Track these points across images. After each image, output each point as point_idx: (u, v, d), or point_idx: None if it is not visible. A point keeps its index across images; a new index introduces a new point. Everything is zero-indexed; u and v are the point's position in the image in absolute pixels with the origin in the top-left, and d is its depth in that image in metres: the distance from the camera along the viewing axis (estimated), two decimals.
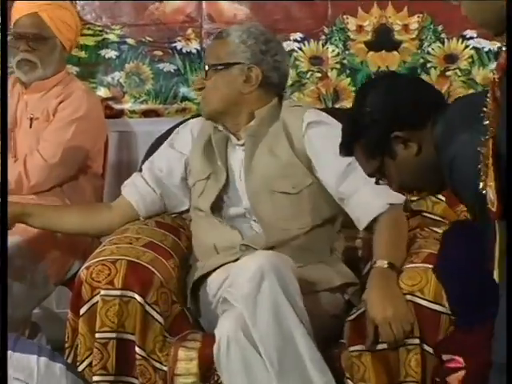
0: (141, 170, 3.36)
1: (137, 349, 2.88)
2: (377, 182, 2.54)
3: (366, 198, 2.98)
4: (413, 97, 2.42)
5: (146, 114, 3.95)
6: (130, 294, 2.89)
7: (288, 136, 3.12)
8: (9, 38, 3.52)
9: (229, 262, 3.03)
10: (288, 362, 2.69)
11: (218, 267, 3.05)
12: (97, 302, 2.88)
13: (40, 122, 3.65)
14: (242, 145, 3.16)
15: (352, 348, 2.73)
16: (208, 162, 3.20)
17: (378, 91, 2.49)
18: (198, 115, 3.40)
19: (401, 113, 2.39)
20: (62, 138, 3.60)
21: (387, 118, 2.40)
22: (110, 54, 3.86)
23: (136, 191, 3.27)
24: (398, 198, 2.99)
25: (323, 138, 3.02)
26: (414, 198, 3.18)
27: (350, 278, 3.05)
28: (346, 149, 2.50)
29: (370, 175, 2.52)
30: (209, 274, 3.07)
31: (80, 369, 2.90)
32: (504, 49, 1.89)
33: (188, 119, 3.53)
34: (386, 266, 2.77)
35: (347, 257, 3.19)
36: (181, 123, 3.50)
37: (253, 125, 3.15)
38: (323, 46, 3.85)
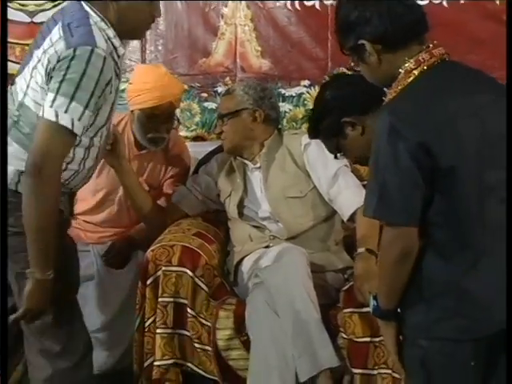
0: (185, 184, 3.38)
1: (188, 309, 2.95)
2: (335, 157, 2.60)
3: (347, 197, 3.04)
4: (358, 91, 2.43)
5: (195, 139, 3.96)
6: (184, 269, 2.96)
7: (291, 155, 3.19)
8: (140, 117, 3.32)
9: (260, 248, 3.11)
10: (299, 327, 2.73)
11: (252, 251, 3.12)
12: (159, 276, 2.95)
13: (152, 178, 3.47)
14: (259, 167, 3.23)
15: (345, 310, 2.79)
16: (230, 183, 3.27)
17: (331, 88, 2.56)
18: None
19: (348, 103, 2.45)
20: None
21: (338, 108, 2.45)
22: None
23: (183, 199, 3.31)
24: None
25: (316, 154, 3.08)
26: None
27: (348, 263, 3.08)
28: (312, 133, 2.56)
29: (331, 152, 2.58)
30: (245, 256, 3.13)
31: (147, 324, 2.97)
32: None
33: (220, 145, 3.43)
34: (364, 251, 2.79)
35: (346, 244, 3.21)
36: (219, 146, 3.46)
37: (264, 152, 3.22)
38: None
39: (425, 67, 1.93)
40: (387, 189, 1.86)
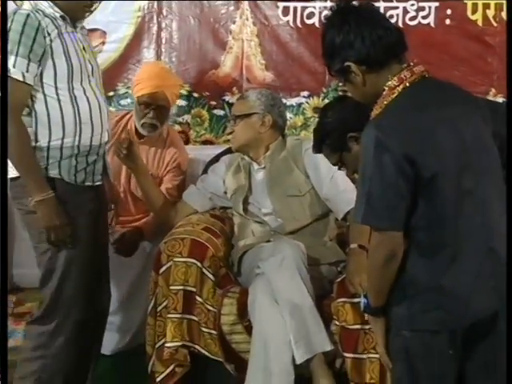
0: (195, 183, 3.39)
1: (196, 297, 2.96)
2: (339, 169, 2.60)
3: (342, 199, 3.06)
4: (359, 109, 2.38)
5: (204, 142, 3.99)
6: (193, 260, 2.97)
7: (293, 158, 3.21)
8: (137, 105, 3.43)
9: (261, 242, 3.11)
10: (296, 314, 2.74)
11: (254, 245, 3.11)
12: (171, 266, 2.96)
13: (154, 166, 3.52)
14: (263, 168, 3.24)
15: (338, 300, 2.79)
16: (236, 181, 3.27)
17: (334, 108, 2.57)
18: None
19: (352, 120, 2.43)
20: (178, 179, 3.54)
21: (343, 125, 2.46)
22: (182, 102, 3.85)
23: (192, 197, 3.32)
24: None
25: (315, 159, 3.04)
26: None
27: (341, 257, 3.09)
28: (317, 149, 2.56)
29: (334, 165, 2.59)
30: (248, 249, 3.12)
31: (159, 309, 2.98)
32: None
33: (228, 148, 3.51)
34: (356, 247, 2.80)
35: (339, 240, 3.21)
36: (226, 149, 3.53)
37: (269, 154, 3.23)
38: (322, 100, 3.86)
39: (407, 84, 1.94)
40: (373, 197, 1.88)
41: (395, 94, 1.94)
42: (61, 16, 2.59)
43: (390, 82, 1.95)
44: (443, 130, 1.89)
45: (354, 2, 2.03)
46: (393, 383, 2.10)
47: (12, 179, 2.61)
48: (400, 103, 1.92)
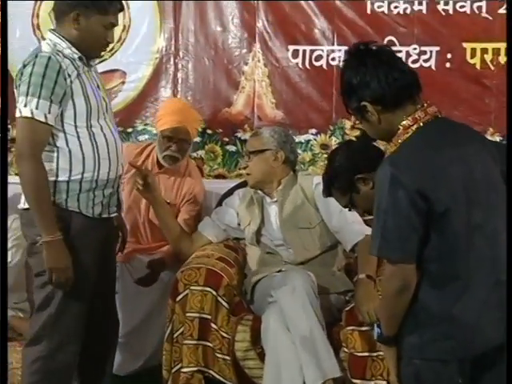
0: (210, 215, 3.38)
1: (211, 324, 2.96)
2: (349, 210, 2.59)
3: (350, 231, 3.08)
4: (365, 152, 2.45)
5: (217, 176, 3.96)
6: (208, 289, 2.97)
7: (304, 192, 3.19)
8: (161, 138, 3.45)
9: (273, 271, 3.09)
10: (307, 342, 2.73)
11: (267, 274, 3.09)
12: (187, 294, 2.96)
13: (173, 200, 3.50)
14: (275, 201, 3.22)
15: (347, 328, 2.79)
16: (249, 213, 3.27)
17: (341, 152, 2.54)
18: (245, 182, 3.40)
19: (359, 163, 2.43)
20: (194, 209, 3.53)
21: (351, 168, 2.43)
22: (196, 138, 3.79)
23: (207, 228, 3.31)
24: (370, 230, 3.08)
25: None
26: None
27: (349, 286, 3.08)
28: (327, 192, 2.54)
29: (345, 207, 2.57)
30: (261, 278, 3.11)
31: (175, 335, 2.97)
32: None
33: (241, 182, 3.55)
34: (365, 277, 2.81)
35: (347, 270, 3.20)
36: (239, 183, 3.55)
37: (281, 188, 3.22)
38: (329, 137, 3.85)
39: (421, 123, 1.94)
40: (388, 230, 1.87)
41: (409, 134, 1.94)
42: (79, 57, 2.59)
43: (404, 122, 1.95)
44: (455, 168, 1.89)
45: (371, 45, 2.02)
46: None
47: (24, 209, 2.60)
48: (414, 142, 1.92)
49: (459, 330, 1.89)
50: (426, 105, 1.98)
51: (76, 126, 2.56)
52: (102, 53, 2.74)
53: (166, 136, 3.46)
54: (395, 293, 1.90)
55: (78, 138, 2.57)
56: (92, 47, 2.63)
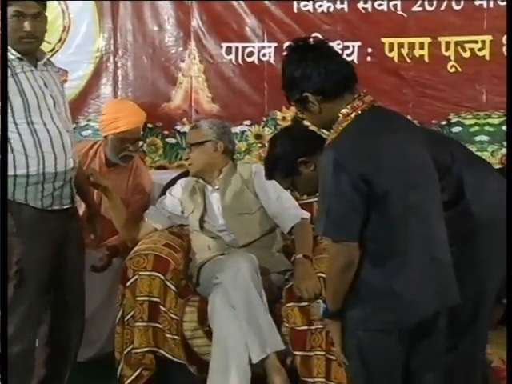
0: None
1: (160, 306, 2.94)
2: (291, 192, 2.57)
3: (287, 215, 3.09)
4: (306, 137, 2.38)
5: (159, 168, 3.90)
6: (156, 274, 2.94)
7: (243, 180, 3.17)
8: (114, 140, 3.36)
9: (217, 255, 3.09)
10: (251, 319, 2.73)
11: (211, 258, 3.09)
12: (136, 279, 2.93)
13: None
14: (217, 189, 3.19)
15: (287, 304, 2.81)
16: (192, 202, 3.22)
17: (282, 137, 2.47)
18: (186, 171, 3.37)
19: (301, 147, 2.34)
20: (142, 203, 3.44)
21: (292, 151, 2.35)
22: None
23: (153, 216, 3.25)
24: (306, 214, 3.10)
25: (262, 180, 2.77)
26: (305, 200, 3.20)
27: (288, 266, 3.06)
28: (269, 176, 2.48)
29: (286, 189, 2.55)
30: (205, 262, 3.10)
31: (126, 319, 2.93)
32: None
33: (182, 172, 3.50)
34: (302, 257, 2.85)
35: (285, 251, 3.20)
36: (181, 173, 3.50)
37: (222, 177, 3.19)
38: (262, 128, 3.83)
39: (359, 111, 1.95)
40: (333, 213, 1.87)
41: (349, 121, 1.95)
42: (17, 57, 2.55)
43: (344, 110, 1.95)
44: (392, 153, 1.91)
45: (309, 40, 2.02)
46: (349, 379, 2.08)
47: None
48: (354, 129, 1.93)
49: (398, 302, 1.90)
50: (362, 94, 1.99)
51: (16, 124, 2.53)
52: (28, 46, 2.60)
53: (122, 138, 3.39)
54: (340, 270, 1.90)
55: (19, 134, 2.53)
56: (13, 41, 2.56)
